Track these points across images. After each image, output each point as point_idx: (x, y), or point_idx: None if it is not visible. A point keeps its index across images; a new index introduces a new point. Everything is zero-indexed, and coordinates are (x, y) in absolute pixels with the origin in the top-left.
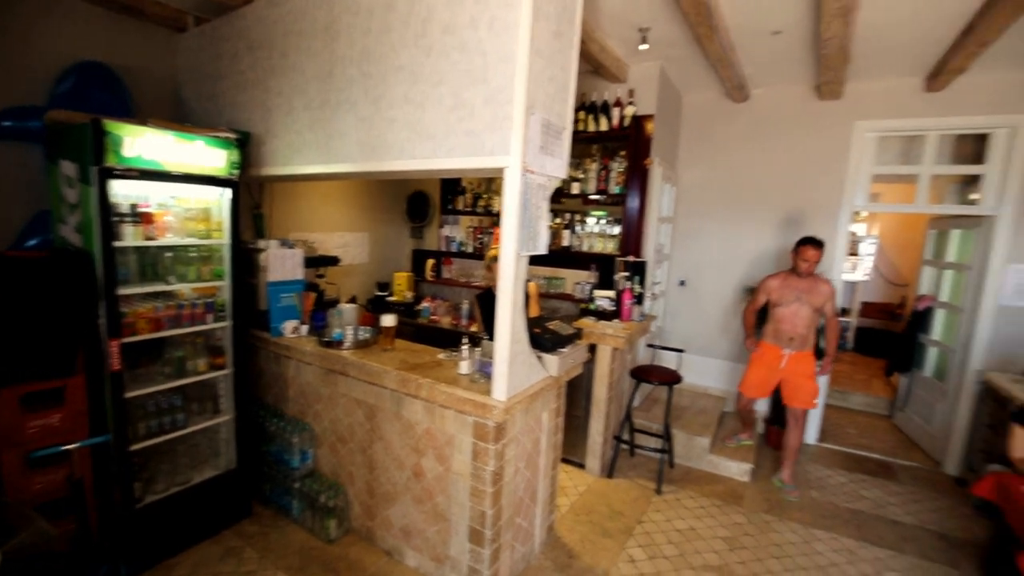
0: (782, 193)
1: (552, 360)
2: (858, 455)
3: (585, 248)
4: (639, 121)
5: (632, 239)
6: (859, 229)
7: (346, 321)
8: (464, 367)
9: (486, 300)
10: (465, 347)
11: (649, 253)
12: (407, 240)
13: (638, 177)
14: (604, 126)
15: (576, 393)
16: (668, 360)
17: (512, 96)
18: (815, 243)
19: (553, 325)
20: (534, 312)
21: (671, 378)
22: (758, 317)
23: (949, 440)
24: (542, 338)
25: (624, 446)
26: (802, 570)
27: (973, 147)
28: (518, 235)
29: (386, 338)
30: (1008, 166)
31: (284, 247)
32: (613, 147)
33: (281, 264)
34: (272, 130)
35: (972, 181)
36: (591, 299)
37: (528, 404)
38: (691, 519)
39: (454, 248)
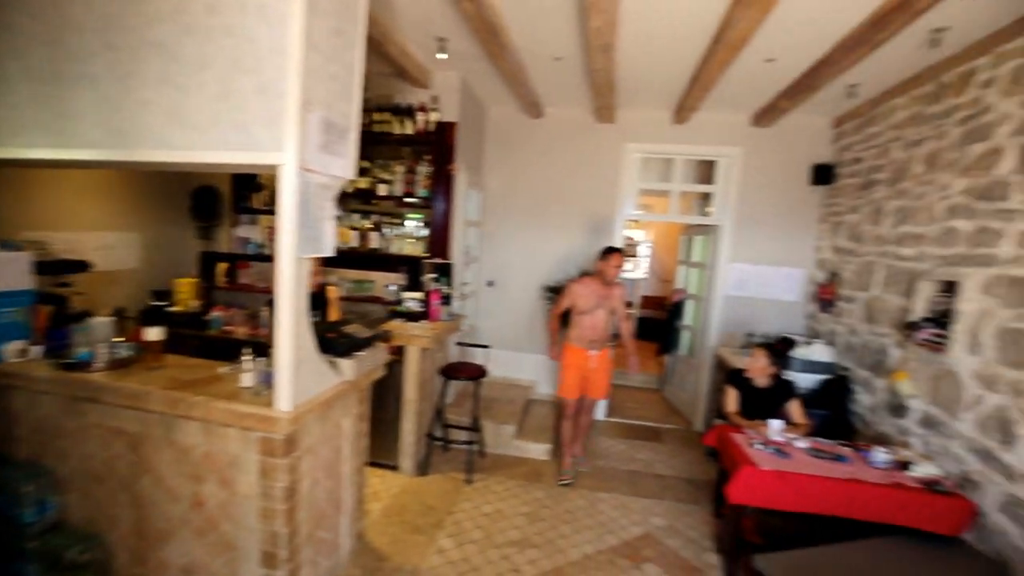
0: (574, 202)
1: (347, 364)
2: (635, 424)
3: (394, 250)
4: (443, 127)
5: (439, 241)
6: (638, 234)
7: (98, 338)
8: (247, 379)
9: None
10: (247, 357)
11: (457, 255)
12: (192, 242)
13: (444, 182)
14: (410, 129)
15: (386, 395)
16: (479, 357)
17: (286, 90)
18: (621, 251)
19: (350, 328)
20: (334, 316)
21: (478, 373)
22: (561, 321)
23: (697, 404)
24: (336, 342)
25: (438, 443)
26: (588, 529)
27: (708, 170)
28: (297, 236)
29: (152, 354)
30: (728, 187)
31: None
32: (419, 151)
33: None
34: None
35: (707, 197)
36: (400, 301)
37: (323, 411)
38: (497, 502)
39: (251, 250)
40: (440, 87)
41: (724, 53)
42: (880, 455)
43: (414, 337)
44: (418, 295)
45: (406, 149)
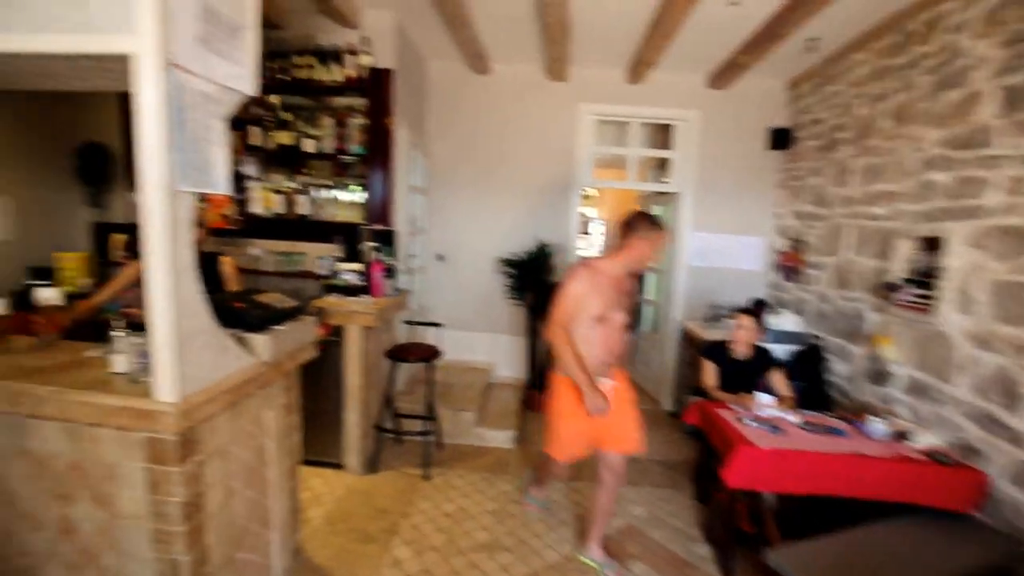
0: (527, 168)
1: (261, 340)
2: None
3: (327, 217)
4: (378, 74)
5: (380, 206)
6: (589, 212)
7: None
8: (120, 363)
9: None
10: (120, 333)
11: (401, 223)
12: (81, 209)
13: (382, 137)
14: (339, 76)
15: (325, 382)
16: (430, 337)
17: None
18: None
19: (266, 298)
20: None
21: (430, 354)
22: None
23: (663, 381)
24: (247, 313)
25: (388, 435)
26: (564, 525)
27: (662, 136)
28: (167, 159)
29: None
30: (687, 152)
31: None
32: (349, 102)
33: None
34: None
35: (663, 164)
36: (335, 273)
37: (233, 402)
38: (460, 499)
39: None
40: (371, 28)
41: None
42: (878, 426)
43: (354, 314)
44: (357, 266)
45: (335, 99)
